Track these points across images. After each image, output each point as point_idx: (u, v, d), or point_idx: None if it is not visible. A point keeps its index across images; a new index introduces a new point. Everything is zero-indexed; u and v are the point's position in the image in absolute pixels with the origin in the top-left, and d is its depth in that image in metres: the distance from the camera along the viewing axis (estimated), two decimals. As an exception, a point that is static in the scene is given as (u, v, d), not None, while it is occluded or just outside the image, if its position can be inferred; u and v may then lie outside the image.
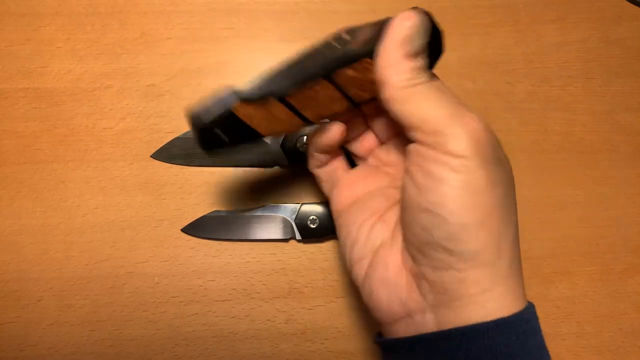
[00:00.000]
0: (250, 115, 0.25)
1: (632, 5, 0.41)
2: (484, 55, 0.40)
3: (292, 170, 0.38)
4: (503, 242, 0.22)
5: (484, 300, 0.22)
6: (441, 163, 0.22)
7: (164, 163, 0.37)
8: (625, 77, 0.40)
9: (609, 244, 0.38)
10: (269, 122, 0.26)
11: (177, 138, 0.37)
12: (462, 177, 0.21)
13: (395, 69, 0.23)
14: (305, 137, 0.36)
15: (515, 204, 0.24)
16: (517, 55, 0.40)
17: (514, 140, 0.39)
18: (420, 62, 0.24)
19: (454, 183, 0.22)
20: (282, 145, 0.36)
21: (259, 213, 0.36)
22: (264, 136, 0.27)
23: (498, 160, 0.23)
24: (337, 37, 0.26)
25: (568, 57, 0.40)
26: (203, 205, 0.37)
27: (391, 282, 0.25)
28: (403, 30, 0.24)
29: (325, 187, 0.30)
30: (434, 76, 0.25)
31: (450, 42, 0.40)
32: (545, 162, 0.39)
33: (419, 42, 0.24)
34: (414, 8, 0.24)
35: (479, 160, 0.22)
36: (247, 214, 0.36)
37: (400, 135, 0.28)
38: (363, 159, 0.30)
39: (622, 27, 0.41)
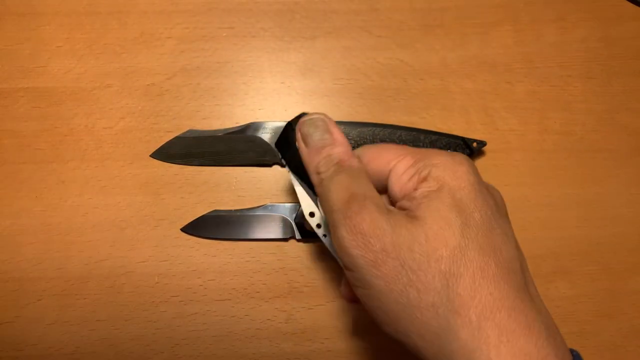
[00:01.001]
0: None
1: (632, 5, 0.41)
2: (484, 54, 0.40)
3: (292, 170, 0.38)
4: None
5: None
6: None
7: (164, 162, 0.37)
8: (625, 76, 0.40)
9: (609, 244, 0.38)
10: None
11: (177, 137, 0.37)
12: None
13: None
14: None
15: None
16: (517, 55, 0.40)
17: (514, 140, 0.39)
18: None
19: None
20: (282, 145, 0.36)
21: (259, 213, 0.36)
22: None
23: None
24: None
25: (568, 57, 0.40)
26: (203, 205, 0.37)
27: None
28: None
29: None
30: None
31: (450, 41, 0.40)
32: (545, 161, 0.39)
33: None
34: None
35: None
36: (247, 213, 0.36)
37: None
38: None
39: (622, 27, 0.41)
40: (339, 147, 0.25)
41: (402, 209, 0.24)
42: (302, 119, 0.26)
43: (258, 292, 0.36)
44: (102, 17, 0.38)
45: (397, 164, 0.25)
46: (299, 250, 0.37)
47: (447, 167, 0.23)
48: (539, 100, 0.39)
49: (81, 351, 0.35)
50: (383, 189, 0.26)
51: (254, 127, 0.37)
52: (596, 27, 0.41)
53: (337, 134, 0.26)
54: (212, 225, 0.36)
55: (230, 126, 0.37)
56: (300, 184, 0.27)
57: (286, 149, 0.28)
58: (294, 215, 0.36)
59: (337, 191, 0.24)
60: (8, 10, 0.38)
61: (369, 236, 0.22)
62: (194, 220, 0.36)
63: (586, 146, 0.39)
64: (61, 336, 0.35)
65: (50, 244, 0.36)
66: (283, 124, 0.36)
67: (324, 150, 0.25)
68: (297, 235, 0.36)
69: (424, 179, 0.23)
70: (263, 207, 0.36)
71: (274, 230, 0.36)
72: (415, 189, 0.24)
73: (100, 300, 0.36)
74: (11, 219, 0.36)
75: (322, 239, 0.28)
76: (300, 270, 0.37)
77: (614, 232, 0.38)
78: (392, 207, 0.24)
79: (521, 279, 0.22)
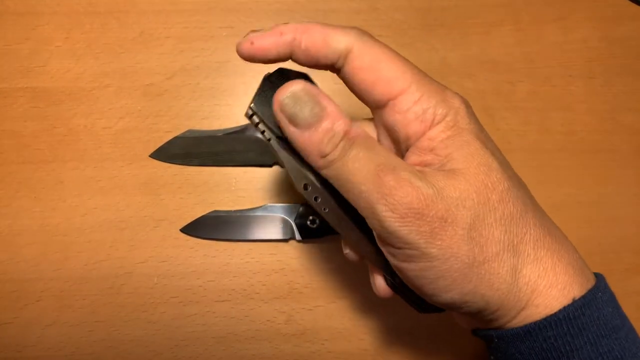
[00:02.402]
0: None
1: (633, 4, 0.41)
2: (485, 54, 0.40)
3: (291, 170, 0.38)
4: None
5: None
6: None
7: (163, 163, 0.37)
8: (626, 76, 0.40)
9: (610, 244, 0.38)
10: None
11: (176, 137, 0.37)
12: None
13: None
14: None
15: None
16: (518, 55, 0.40)
17: (515, 140, 0.39)
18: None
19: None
20: (282, 145, 0.36)
21: (258, 213, 0.36)
22: None
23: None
24: None
25: (569, 57, 0.40)
26: (202, 205, 0.37)
27: None
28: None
29: None
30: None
31: (451, 41, 0.40)
32: (546, 161, 0.39)
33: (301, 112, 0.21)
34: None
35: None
36: (247, 214, 0.36)
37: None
38: None
39: (623, 27, 0.41)
40: (337, 118, 0.21)
41: (424, 163, 0.22)
42: (279, 97, 0.21)
43: (258, 293, 0.36)
44: (101, 16, 0.38)
45: (400, 97, 0.22)
46: (298, 251, 0.37)
47: (461, 110, 0.22)
48: (540, 100, 0.39)
49: (80, 352, 0.35)
50: (371, 104, 0.23)
51: (253, 127, 0.36)
52: (597, 27, 0.40)
53: (327, 102, 0.21)
54: (211, 226, 0.36)
55: (230, 126, 0.37)
56: (285, 149, 0.23)
57: (265, 110, 0.23)
58: (294, 216, 0.36)
59: (359, 169, 0.21)
60: (7, 9, 0.38)
61: (418, 209, 0.20)
62: (193, 221, 0.36)
63: (587, 146, 0.39)
64: (60, 337, 0.35)
65: (49, 245, 0.36)
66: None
67: (321, 127, 0.21)
68: (297, 236, 0.36)
69: (438, 122, 0.22)
70: (263, 207, 0.36)
71: (273, 231, 0.36)
72: (427, 133, 0.22)
73: (99, 301, 0.35)
74: (10, 219, 0.36)
75: (324, 214, 0.25)
76: (300, 271, 0.36)
77: (616, 233, 0.38)
78: (421, 167, 0.22)
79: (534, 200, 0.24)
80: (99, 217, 0.36)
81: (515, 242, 0.21)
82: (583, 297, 0.22)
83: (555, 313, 0.21)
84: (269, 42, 0.22)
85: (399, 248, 0.21)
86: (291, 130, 0.22)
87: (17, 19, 0.38)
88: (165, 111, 0.38)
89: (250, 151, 0.37)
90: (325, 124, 0.21)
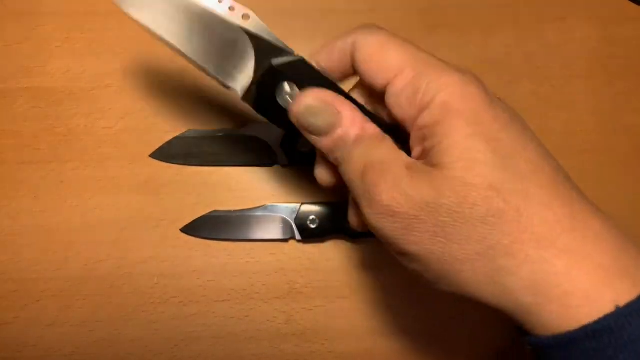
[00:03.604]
0: None
1: (634, 5, 0.41)
2: (485, 54, 0.40)
3: (292, 170, 0.38)
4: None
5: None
6: None
7: (163, 163, 0.37)
8: (626, 77, 0.40)
9: (610, 245, 0.38)
10: None
11: (176, 138, 0.37)
12: None
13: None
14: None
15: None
16: (518, 55, 0.40)
17: (515, 140, 0.39)
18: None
19: None
20: (282, 145, 0.36)
21: (258, 213, 0.36)
22: None
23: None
24: None
25: (569, 57, 0.40)
26: (202, 205, 0.37)
27: None
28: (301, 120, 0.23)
29: None
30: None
31: (450, 41, 0.40)
32: (546, 162, 0.39)
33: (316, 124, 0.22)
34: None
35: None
36: (247, 214, 0.36)
37: None
38: None
39: (623, 27, 0.41)
40: (351, 123, 0.22)
41: (422, 153, 0.22)
42: (295, 109, 0.22)
43: (258, 293, 0.36)
44: (101, 17, 0.38)
45: (395, 79, 0.22)
46: (298, 251, 0.37)
47: (454, 89, 0.20)
48: (540, 100, 0.39)
49: (80, 352, 0.35)
50: (382, 94, 0.23)
51: (254, 127, 0.36)
52: (597, 27, 0.40)
53: (342, 106, 0.22)
54: (211, 226, 0.36)
55: (230, 126, 0.37)
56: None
57: (272, 112, 0.23)
58: (294, 216, 0.36)
59: (353, 166, 0.22)
60: (7, 10, 0.38)
61: (391, 206, 0.20)
62: (193, 221, 0.36)
63: (587, 146, 0.39)
64: (60, 337, 0.35)
65: (49, 245, 0.36)
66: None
67: (335, 134, 0.22)
68: (297, 236, 0.36)
69: (427, 105, 0.21)
70: (263, 207, 0.36)
71: (273, 231, 0.36)
72: (418, 119, 0.21)
73: (99, 301, 0.35)
74: (10, 219, 0.36)
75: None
76: (300, 271, 0.36)
77: (615, 233, 0.38)
78: (413, 161, 0.21)
79: (572, 188, 0.21)
80: (99, 217, 0.36)
81: (505, 242, 0.19)
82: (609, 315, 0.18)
83: (574, 331, 0.19)
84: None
85: (384, 243, 0.22)
86: (308, 136, 0.23)
87: (17, 19, 0.38)
88: (165, 111, 0.38)
89: (250, 151, 0.37)
90: (339, 132, 0.22)
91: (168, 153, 0.37)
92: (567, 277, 0.19)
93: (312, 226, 0.35)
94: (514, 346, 0.36)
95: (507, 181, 0.20)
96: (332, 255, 0.37)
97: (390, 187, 0.20)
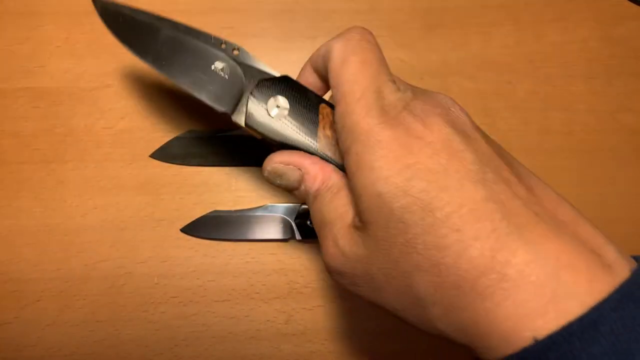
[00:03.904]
0: None
1: (633, 4, 0.41)
2: (485, 54, 0.40)
3: (292, 170, 0.38)
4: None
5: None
6: None
7: (163, 163, 0.37)
8: (626, 76, 0.40)
9: (610, 245, 0.38)
10: None
11: (176, 138, 0.37)
12: None
13: None
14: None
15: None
16: (518, 55, 0.40)
17: (515, 140, 0.39)
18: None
19: None
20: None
21: (258, 213, 0.36)
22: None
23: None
24: None
25: (569, 57, 0.40)
26: (202, 205, 0.37)
27: None
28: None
29: None
30: None
31: (450, 41, 0.40)
32: (546, 162, 0.39)
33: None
34: None
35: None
36: (247, 214, 0.36)
37: None
38: None
39: (623, 27, 0.41)
40: (310, 181, 0.24)
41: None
42: (264, 172, 0.26)
43: (258, 293, 0.36)
44: (101, 16, 0.38)
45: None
46: (298, 251, 0.37)
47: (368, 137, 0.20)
48: (540, 101, 0.39)
49: (80, 352, 0.35)
50: None
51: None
52: (597, 27, 0.41)
53: (303, 163, 0.24)
54: (211, 226, 0.36)
55: (230, 126, 0.37)
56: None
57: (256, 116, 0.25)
58: (294, 216, 0.36)
59: (314, 218, 0.24)
60: (7, 10, 0.38)
61: (335, 263, 0.22)
62: (193, 221, 0.36)
63: (587, 146, 0.39)
64: (60, 337, 0.35)
65: (50, 245, 0.36)
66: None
67: (300, 189, 0.25)
68: (297, 236, 0.36)
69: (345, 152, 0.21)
70: (263, 207, 0.36)
71: (273, 231, 0.36)
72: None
73: (99, 301, 0.35)
74: (10, 219, 0.36)
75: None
76: (300, 271, 0.36)
77: (616, 233, 0.38)
78: (356, 223, 0.22)
79: (507, 176, 0.20)
80: (99, 217, 0.36)
81: (430, 291, 0.19)
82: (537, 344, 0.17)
83: None
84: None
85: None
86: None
87: (17, 19, 0.38)
88: (165, 111, 0.38)
89: (250, 151, 0.37)
90: (302, 188, 0.25)
91: (168, 153, 0.37)
92: (474, 330, 0.18)
93: (312, 226, 0.35)
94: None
95: (420, 238, 0.19)
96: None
97: (332, 244, 0.22)
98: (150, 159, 0.37)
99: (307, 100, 0.25)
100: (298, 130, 0.25)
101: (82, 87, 0.38)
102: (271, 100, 0.25)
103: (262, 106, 0.25)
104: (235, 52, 0.26)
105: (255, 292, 0.36)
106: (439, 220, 0.18)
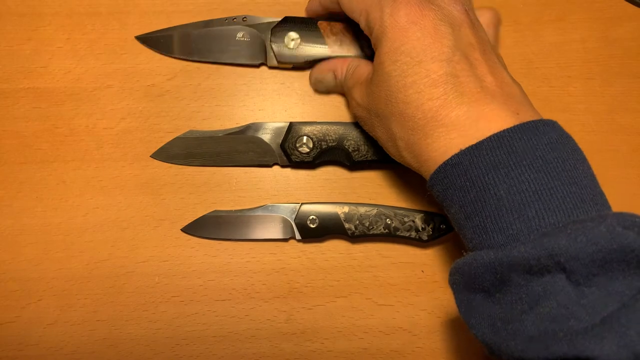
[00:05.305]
0: None
1: (631, 5, 0.41)
2: (484, 55, 0.40)
3: (292, 170, 0.38)
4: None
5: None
6: None
7: (164, 163, 0.37)
8: (625, 77, 0.40)
9: (609, 244, 0.38)
10: None
11: (177, 138, 0.37)
12: None
13: None
14: (305, 138, 0.36)
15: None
16: (517, 55, 0.40)
17: (514, 141, 0.39)
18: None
19: None
20: (282, 146, 0.36)
21: (259, 213, 0.36)
22: None
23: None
24: None
25: (568, 57, 0.40)
26: (203, 205, 0.37)
27: None
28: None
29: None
30: None
31: (450, 42, 0.40)
32: (545, 162, 0.39)
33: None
34: None
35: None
36: (247, 214, 0.36)
37: None
38: None
39: (621, 27, 0.41)
40: (339, 74, 0.35)
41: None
42: (310, 82, 0.38)
43: (258, 292, 0.36)
44: (102, 17, 0.38)
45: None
46: (299, 251, 0.37)
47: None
48: (539, 101, 0.39)
49: (81, 351, 0.35)
50: None
51: (254, 127, 0.37)
52: (596, 28, 0.41)
53: (334, 65, 0.35)
54: (212, 226, 0.36)
55: (231, 127, 0.37)
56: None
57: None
58: (294, 216, 0.36)
59: (346, 88, 0.34)
60: (9, 10, 0.38)
61: (357, 110, 0.33)
62: (194, 221, 0.36)
63: (586, 147, 0.39)
64: (61, 336, 0.35)
65: (51, 244, 0.36)
66: (283, 124, 0.36)
67: (337, 81, 0.36)
68: (297, 236, 0.36)
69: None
70: (263, 207, 0.37)
71: (274, 231, 0.36)
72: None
73: (100, 300, 0.36)
74: (12, 219, 0.36)
75: None
76: (300, 270, 0.37)
77: (614, 233, 0.38)
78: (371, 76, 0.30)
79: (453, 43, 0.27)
80: (100, 217, 0.36)
81: (398, 129, 0.28)
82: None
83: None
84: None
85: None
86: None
87: (18, 19, 0.38)
88: (166, 112, 0.38)
89: (251, 151, 0.37)
90: (337, 79, 0.36)
91: (169, 153, 0.37)
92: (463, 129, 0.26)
93: (312, 226, 0.36)
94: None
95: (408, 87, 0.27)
96: (332, 255, 0.37)
97: (355, 99, 0.32)
98: (151, 159, 0.37)
99: (308, 25, 0.36)
100: (313, 47, 0.35)
101: (83, 88, 0.38)
102: (286, 38, 0.36)
103: (282, 45, 0.36)
104: (245, 20, 0.37)
105: (255, 291, 0.36)
106: (408, 83, 0.27)
